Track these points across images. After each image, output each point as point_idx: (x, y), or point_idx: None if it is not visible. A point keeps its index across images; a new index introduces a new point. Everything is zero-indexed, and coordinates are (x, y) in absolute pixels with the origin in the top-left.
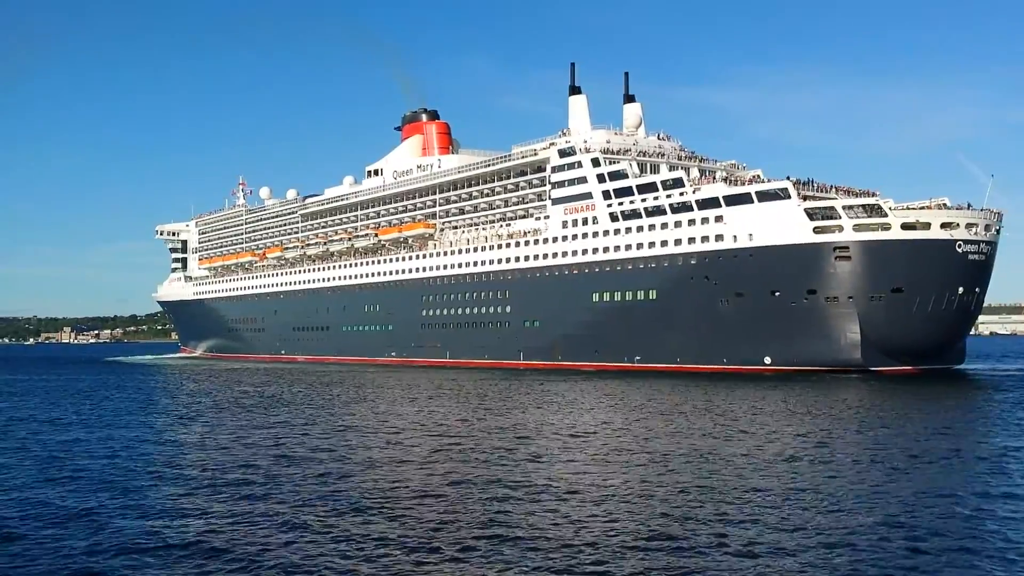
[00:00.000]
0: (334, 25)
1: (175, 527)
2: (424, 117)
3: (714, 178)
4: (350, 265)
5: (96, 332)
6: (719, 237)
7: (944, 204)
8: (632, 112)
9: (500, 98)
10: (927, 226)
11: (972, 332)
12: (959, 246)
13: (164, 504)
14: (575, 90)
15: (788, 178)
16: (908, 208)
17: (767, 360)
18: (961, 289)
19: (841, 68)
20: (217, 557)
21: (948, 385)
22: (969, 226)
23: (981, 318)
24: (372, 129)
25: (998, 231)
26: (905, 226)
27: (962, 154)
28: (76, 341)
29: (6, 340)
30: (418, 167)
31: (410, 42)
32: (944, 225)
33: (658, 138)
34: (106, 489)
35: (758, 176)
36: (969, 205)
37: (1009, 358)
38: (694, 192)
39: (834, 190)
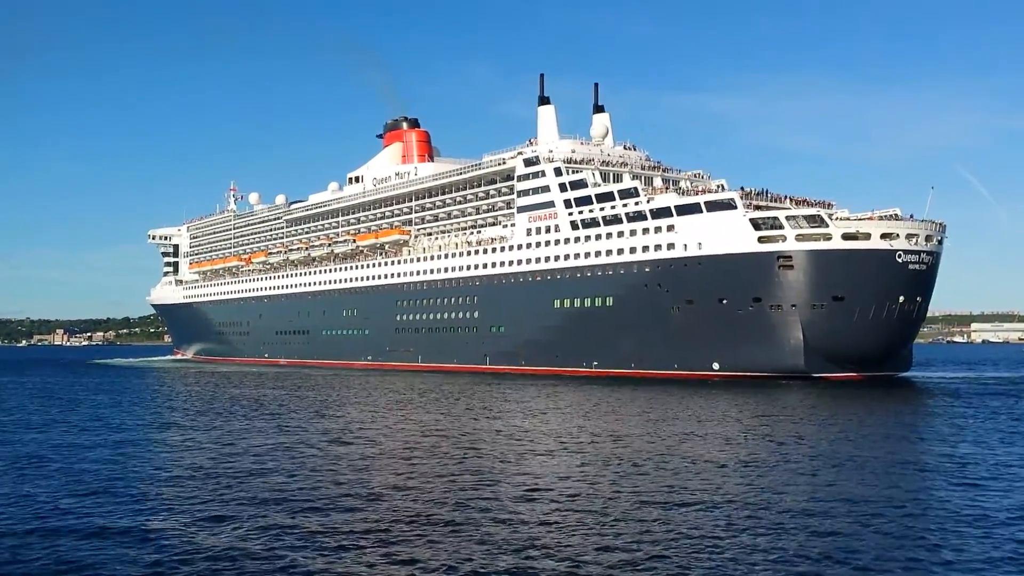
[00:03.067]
0: (324, 33)
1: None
2: (405, 125)
3: (669, 186)
4: (330, 270)
5: (89, 334)
6: (671, 246)
7: (895, 215)
8: (600, 122)
9: (493, 105)
10: (867, 236)
11: (964, 339)
12: (899, 256)
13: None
14: (544, 100)
15: (742, 188)
16: (849, 219)
17: (715, 366)
18: (902, 298)
19: (837, 75)
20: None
21: (886, 392)
22: (909, 236)
23: (974, 326)
24: (362, 136)
25: (940, 241)
26: (846, 236)
27: (960, 165)
28: (69, 343)
29: None
30: (396, 174)
31: (400, 49)
32: (884, 235)
33: (624, 148)
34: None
35: (722, 186)
36: (912, 216)
37: (960, 366)
38: (648, 202)
39: (788, 200)
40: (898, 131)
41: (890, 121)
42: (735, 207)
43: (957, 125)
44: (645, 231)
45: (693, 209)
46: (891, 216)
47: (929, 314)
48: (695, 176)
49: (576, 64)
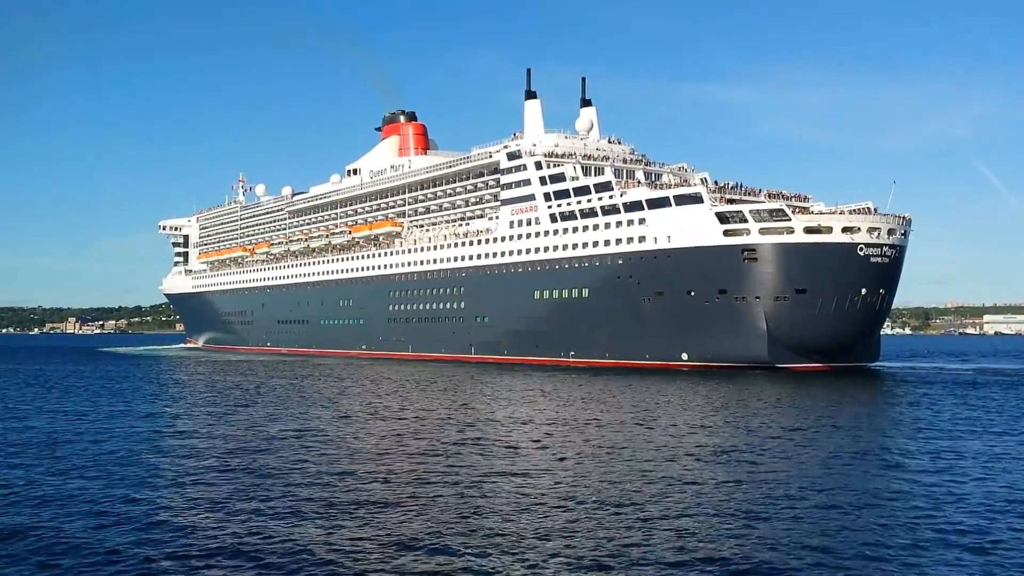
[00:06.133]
0: (331, 29)
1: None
2: (402, 118)
3: (651, 180)
4: (327, 261)
5: (100, 323)
6: (642, 239)
7: (867, 208)
8: (585, 116)
9: (494, 95)
10: (829, 230)
11: (976, 331)
12: (860, 249)
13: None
14: (530, 95)
15: (715, 182)
16: (811, 212)
17: (684, 356)
18: (864, 290)
19: (848, 66)
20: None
21: (841, 380)
22: (871, 230)
23: (986, 317)
24: (366, 128)
25: (904, 234)
26: (808, 230)
27: (973, 156)
28: (80, 331)
29: (11, 330)
30: (391, 167)
31: (401, 41)
32: (845, 229)
33: (608, 141)
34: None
35: (704, 179)
36: (876, 209)
37: (926, 357)
38: (621, 195)
39: (763, 193)
40: (905, 122)
41: (899, 112)
42: (702, 201)
43: (970, 115)
44: (618, 224)
45: (663, 203)
46: (862, 209)
47: (941, 306)
48: (679, 169)
49: (581, 53)
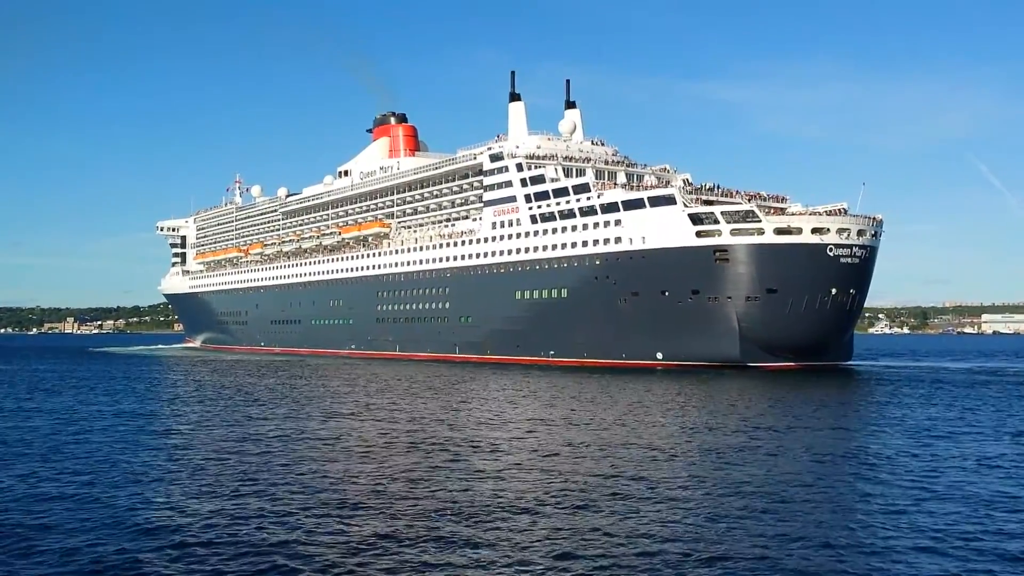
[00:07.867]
0: (328, 30)
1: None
2: (392, 120)
3: (631, 181)
4: (318, 262)
5: (99, 323)
6: (618, 240)
7: (841, 209)
8: (569, 118)
9: (490, 95)
10: (799, 231)
11: (975, 331)
12: (830, 250)
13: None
14: (514, 97)
15: (691, 184)
16: (784, 213)
17: (659, 356)
18: (834, 290)
19: (849, 64)
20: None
21: (810, 379)
22: (841, 231)
23: (984, 316)
24: (362, 129)
25: (875, 235)
26: (778, 231)
27: (973, 155)
28: (79, 331)
29: (9, 329)
30: (380, 168)
31: (396, 41)
32: (815, 230)
33: (591, 143)
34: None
35: (687, 180)
36: (846, 211)
37: (903, 356)
38: (599, 197)
39: (739, 194)
40: (904, 121)
41: (898, 110)
42: (675, 202)
43: (969, 114)
44: (596, 225)
45: (637, 204)
46: (835, 211)
47: (939, 305)
48: (661, 170)
49: (578, 52)
